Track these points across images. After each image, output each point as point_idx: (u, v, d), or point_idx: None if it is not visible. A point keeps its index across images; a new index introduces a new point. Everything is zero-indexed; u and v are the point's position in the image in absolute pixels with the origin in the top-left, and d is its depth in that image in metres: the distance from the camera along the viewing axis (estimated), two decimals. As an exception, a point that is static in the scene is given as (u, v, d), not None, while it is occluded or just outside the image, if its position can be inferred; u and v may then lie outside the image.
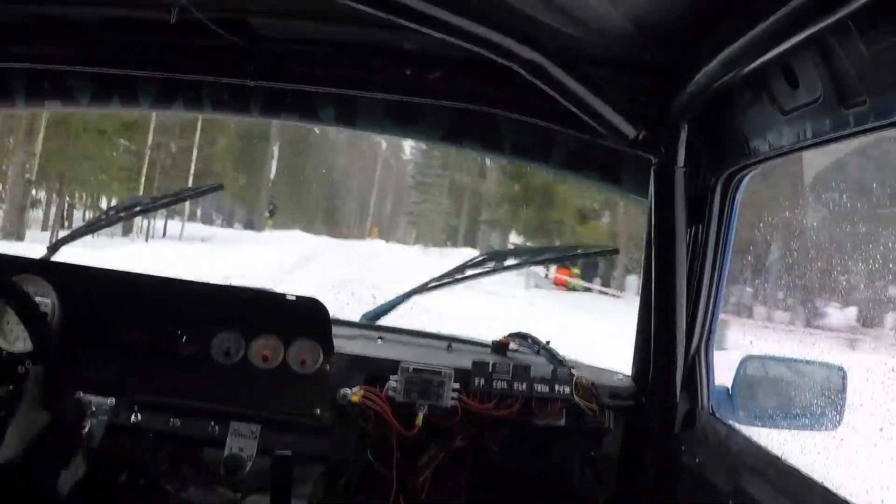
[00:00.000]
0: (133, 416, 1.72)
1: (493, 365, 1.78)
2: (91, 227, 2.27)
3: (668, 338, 1.67)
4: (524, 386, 1.77)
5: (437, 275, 2.28)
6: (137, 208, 2.19)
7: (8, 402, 1.68)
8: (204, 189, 2.31)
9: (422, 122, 1.99)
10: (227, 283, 2.15)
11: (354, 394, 1.75)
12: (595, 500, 1.91)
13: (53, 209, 21.88)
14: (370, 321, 2.27)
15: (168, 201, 2.22)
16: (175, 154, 26.97)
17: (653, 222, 1.71)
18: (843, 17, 0.97)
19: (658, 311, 1.70)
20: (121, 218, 2.20)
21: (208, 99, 1.99)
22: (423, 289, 2.28)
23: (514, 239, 29.15)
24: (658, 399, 1.71)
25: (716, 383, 1.72)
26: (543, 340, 2.06)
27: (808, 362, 1.74)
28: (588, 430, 1.87)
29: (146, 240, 23.29)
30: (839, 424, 1.60)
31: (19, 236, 17.56)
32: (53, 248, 2.04)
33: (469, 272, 2.24)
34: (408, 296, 2.30)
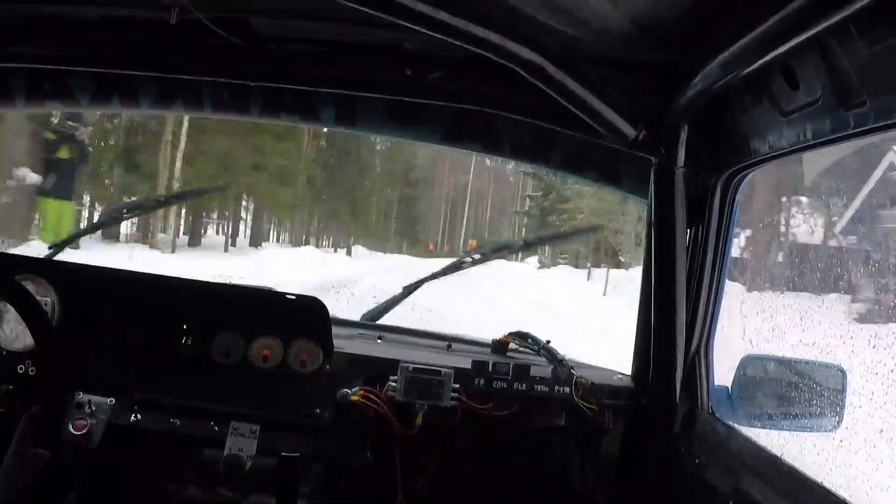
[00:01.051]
0: (133, 416, 1.72)
1: (493, 365, 1.78)
2: (92, 228, 2.25)
3: (668, 338, 1.67)
4: (524, 386, 1.77)
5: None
6: (137, 210, 2.20)
7: (8, 400, 1.68)
8: (207, 189, 2.33)
9: (422, 123, 1.99)
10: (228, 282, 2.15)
11: (354, 394, 1.75)
12: (595, 500, 1.91)
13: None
14: (370, 321, 2.27)
15: (167, 200, 2.23)
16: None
17: (653, 222, 1.71)
18: (843, 18, 0.97)
19: (658, 311, 1.70)
20: (123, 217, 2.21)
21: (208, 99, 1.99)
22: (419, 284, 2.33)
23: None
24: (658, 399, 1.71)
25: (715, 383, 1.72)
26: (543, 340, 2.06)
27: (807, 362, 1.74)
28: (588, 431, 1.87)
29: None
30: (839, 425, 1.60)
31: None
32: (57, 248, 2.05)
33: (465, 263, 2.35)
34: (405, 293, 2.33)
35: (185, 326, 1.77)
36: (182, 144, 20.34)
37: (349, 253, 37.10)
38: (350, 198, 38.37)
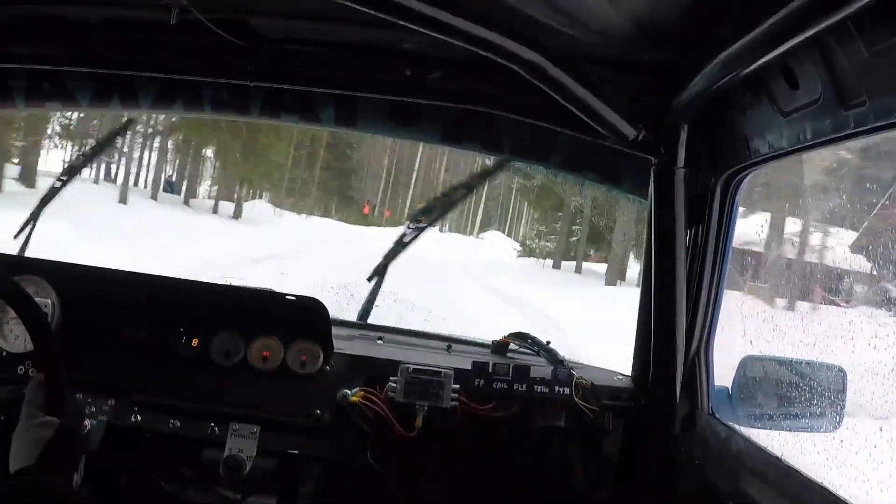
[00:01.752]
0: (133, 417, 1.72)
1: (493, 366, 1.78)
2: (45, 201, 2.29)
3: (668, 338, 1.67)
4: (524, 387, 1.77)
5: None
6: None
7: (8, 403, 1.68)
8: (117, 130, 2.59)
9: (422, 123, 1.99)
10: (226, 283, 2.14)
11: (354, 394, 1.75)
12: (595, 501, 1.91)
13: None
14: (362, 321, 2.27)
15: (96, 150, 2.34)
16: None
17: (653, 222, 1.71)
18: (842, 18, 0.97)
19: (658, 311, 1.70)
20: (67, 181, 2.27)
21: (208, 99, 1.99)
22: (383, 270, 2.33)
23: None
24: (658, 400, 1.71)
25: (716, 384, 1.72)
26: (544, 341, 2.06)
27: (807, 363, 1.74)
28: (588, 431, 1.87)
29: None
30: (839, 426, 1.60)
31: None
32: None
33: (408, 238, 2.32)
34: (378, 284, 2.34)
35: (184, 327, 1.77)
36: None
37: (238, 214, 24.58)
38: (251, 129, 22.24)
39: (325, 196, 36.26)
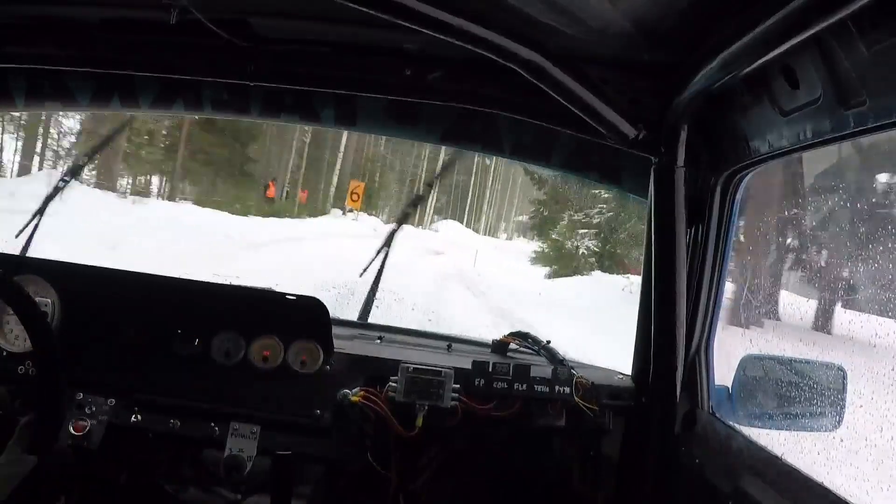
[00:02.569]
0: (133, 417, 1.72)
1: (493, 365, 1.78)
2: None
3: (668, 338, 1.67)
4: (524, 386, 1.77)
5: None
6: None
7: (9, 402, 1.68)
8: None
9: (422, 123, 1.99)
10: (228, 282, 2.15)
11: (355, 394, 1.75)
12: (595, 500, 1.91)
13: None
14: (363, 320, 2.28)
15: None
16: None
17: (653, 222, 1.71)
18: (843, 18, 0.97)
19: (658, 311, 1.70)
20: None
21: (208, 99, 1.99)
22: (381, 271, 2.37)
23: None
24: (658, 399, 1.71)
25: (716, 383, 1.72)
26: (543, 340, 2.06)
27: (807, 362, 1.74)
28: (588, 431, 1.87)
29: None
30: (839, 425, 1.60)
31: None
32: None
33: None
34: (376, 283, 2.37)
35: (184, 327, 1.77)
36: None
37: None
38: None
39: (204, 168, 22.04)
